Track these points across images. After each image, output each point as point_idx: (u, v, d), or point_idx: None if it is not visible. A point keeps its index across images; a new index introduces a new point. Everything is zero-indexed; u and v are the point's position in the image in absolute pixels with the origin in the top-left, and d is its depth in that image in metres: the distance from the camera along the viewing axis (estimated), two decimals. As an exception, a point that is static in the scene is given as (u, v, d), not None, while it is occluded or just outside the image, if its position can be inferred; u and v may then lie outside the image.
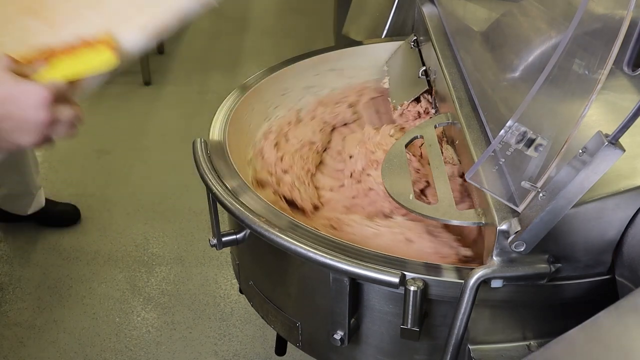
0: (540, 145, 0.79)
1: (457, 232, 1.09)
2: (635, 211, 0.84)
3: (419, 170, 1.23)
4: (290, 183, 1.25)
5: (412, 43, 1.54)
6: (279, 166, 1.29)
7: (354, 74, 1.54)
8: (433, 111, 1.40)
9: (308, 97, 1.48)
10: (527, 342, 0.97)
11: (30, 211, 2.54)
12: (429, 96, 1.42)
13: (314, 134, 1.40)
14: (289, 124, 1.41)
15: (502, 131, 0.79)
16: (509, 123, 0.79)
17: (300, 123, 1.42)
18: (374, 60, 1.57)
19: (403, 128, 1.38)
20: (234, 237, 1.13)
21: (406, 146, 1.16)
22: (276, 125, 1.39)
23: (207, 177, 1.11)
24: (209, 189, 1.09)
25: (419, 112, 1.41)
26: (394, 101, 1.47)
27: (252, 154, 1.32)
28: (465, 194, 1.13)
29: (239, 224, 1.10)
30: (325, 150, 1.42)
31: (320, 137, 1.41)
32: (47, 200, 2.60)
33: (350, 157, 1.32)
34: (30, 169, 2.47)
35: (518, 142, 0.80)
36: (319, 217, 1.20)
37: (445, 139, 1.28)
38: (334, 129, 1.48)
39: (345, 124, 1.49)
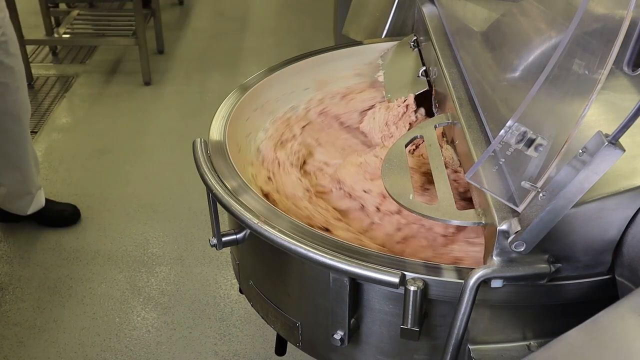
0: (540, 145, 0.79)
1: None
2: (635, 211, 0.84)
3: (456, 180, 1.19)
4: (353, 238, 1.12)
5: (412, 43, 1.54)
6: (318, 225, 1.16)
7: (273, 108, 1.47)
8: (414, 109, 1.40)
9: (254, 145, 1.39)
10: (527, 342, 0.97)
11: (30, 211, 2.54)
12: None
13: (302, 181, 1.29)
14: (270, 180, 1.30)
15: (502, 131, 0.79)
16: (509, 123, 0.79)
17: (277, 175, 1.32)
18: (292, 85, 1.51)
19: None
20: (234, 237, 1.13)
21: (406, 146, 1.15)
22: (263, 185, 1.29)
23: (207, 177, 1.11)
24: (209, 189, 1.09)
25: (407, 106, 1.40)
26: (389, 95, 1.46)
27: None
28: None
29: (239, 224, 1.10)
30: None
31: (308, 182, 1.31)
32: (47, 200, 2.60)
33: (366, 191, 1.22)
34: (31, 168, 2.47)
35: (518, 142, 0.79)
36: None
37: (445, 138, 1.27)
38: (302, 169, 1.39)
39: (304, 162, 1.38)
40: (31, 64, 3.78)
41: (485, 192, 0.89)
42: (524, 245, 0.83)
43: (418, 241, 1.13)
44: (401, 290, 0.89)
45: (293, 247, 0.95)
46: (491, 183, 0.88)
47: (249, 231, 1.11)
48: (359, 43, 1.63)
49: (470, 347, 0.96)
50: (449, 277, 0.90)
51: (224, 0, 5.17)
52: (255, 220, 1.00)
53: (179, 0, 5.03)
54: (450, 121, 1.18)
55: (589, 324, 0.68)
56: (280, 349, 1.47)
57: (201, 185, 1.12)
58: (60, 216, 2.62)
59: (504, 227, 0.85)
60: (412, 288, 0.87)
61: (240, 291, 1.31)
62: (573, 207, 0.79)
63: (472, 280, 0.85)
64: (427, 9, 1.48)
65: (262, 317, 1.21)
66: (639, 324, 0.66)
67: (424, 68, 1.44)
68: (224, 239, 1.13)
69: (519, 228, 0.83)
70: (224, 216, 1.14)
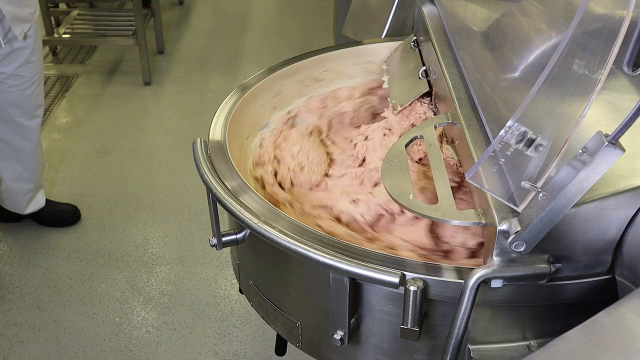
0: (540, 145, 0.79)
1: None
2: (635, 211, 0.84)
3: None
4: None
5: (412, 43, 1.54)
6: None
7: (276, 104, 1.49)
8: (431, 113, 1.40)
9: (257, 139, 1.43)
10: (527, 342, 0.97)
11: (28, 210, 2.54)
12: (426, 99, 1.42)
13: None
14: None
15: (502, 131, 0.79)
16: (509, 123, 0.79)
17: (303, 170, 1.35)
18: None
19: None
20: (234, 237, 1.13)
21: (406, 146, 1.15)
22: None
23: (207, 177, 1.11)
24: (209, 189, 1.09)
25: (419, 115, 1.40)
26: (394, 101, 1.46)
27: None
28: None
29: (239, 224, 1.10)
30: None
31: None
32: (47, 200, 2.60)
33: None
34: (36, 166, 2.46)
35: (518, 142, 0.79)
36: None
37: (445, 138, 1.27)
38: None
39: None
40: (31, 64, 3.78)
41: (485, 192, 0.89)
42: (524, 245, 0.83)
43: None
44: (401, 290, 0.89)
45: (293, 247, 0.95)
46: (491, 183, 0.88)
47: (249, 231, 1.11)
48: (359, 43, 1.63)
49: (470, 347, 0.96)
50: (449, 277, 0.90)
51: (224, 0, 5.17)
52: (255, 220, 1.00)
53: (179, 0, 5.03)
54: (450, 121, 1.18)
55: (589, 324, 0.68)
56: (280, 349, 1.47)
57: (201, 185, 1.12)
58: (60, 216, 2.62)
59: (504, 227, 0.85)
60: (412, 288, 0.87)
61: (240, 291, 1.31)
62: (573, 207, 0.79)
63: (472, 280, 0.85)
64: (427, 9, 1.48)
65: (262, 317, 1.21)
66: (639, 324, 0.66)
67: (424, 68, 1.44)
68: (224, 239, 1.13)
69: (519, 228, 0.83)
70: (224, 216, 1.14)
